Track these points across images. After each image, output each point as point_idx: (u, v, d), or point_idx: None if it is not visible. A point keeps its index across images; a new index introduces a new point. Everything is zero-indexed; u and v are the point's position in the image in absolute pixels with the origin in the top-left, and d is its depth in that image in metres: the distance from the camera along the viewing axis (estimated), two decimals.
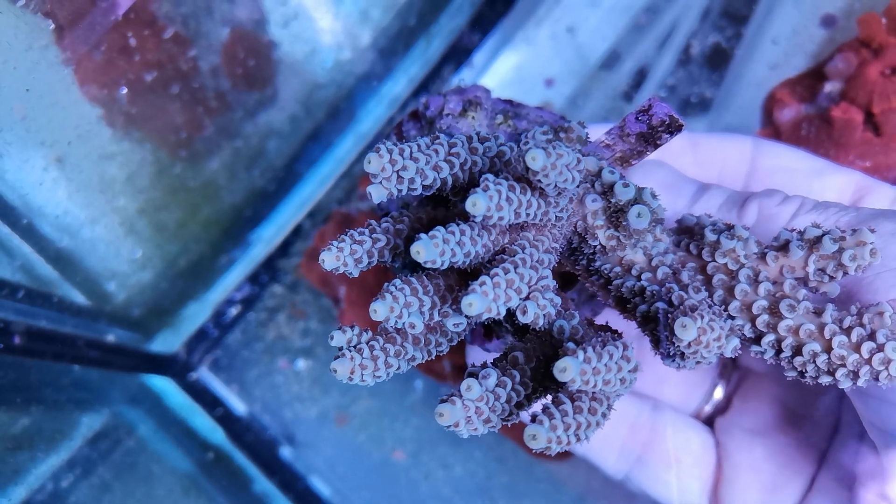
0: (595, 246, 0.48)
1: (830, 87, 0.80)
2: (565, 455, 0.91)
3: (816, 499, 0.59)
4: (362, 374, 0.44)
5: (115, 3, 0.77)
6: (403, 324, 0.42)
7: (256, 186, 1.02)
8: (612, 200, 0.47)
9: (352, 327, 0.46)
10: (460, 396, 0.40)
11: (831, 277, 0.45)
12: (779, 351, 0.43)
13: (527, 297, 0.42)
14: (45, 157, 0.78)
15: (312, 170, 1.06)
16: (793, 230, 0.46)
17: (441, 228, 0.41)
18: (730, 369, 0.70)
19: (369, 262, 0.45)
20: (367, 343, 0.45)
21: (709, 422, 0.69)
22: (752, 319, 0.44)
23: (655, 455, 0.65)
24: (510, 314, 0.47)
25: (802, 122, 0.81)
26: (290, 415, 1.02)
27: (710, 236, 0.46)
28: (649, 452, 0.66)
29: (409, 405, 1.00)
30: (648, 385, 0.70)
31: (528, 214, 0.42)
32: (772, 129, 0.83)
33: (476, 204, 0.38)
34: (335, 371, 0.43)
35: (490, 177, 0.40)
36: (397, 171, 0.42)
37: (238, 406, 1.03)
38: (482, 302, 0.39)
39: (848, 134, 0.77)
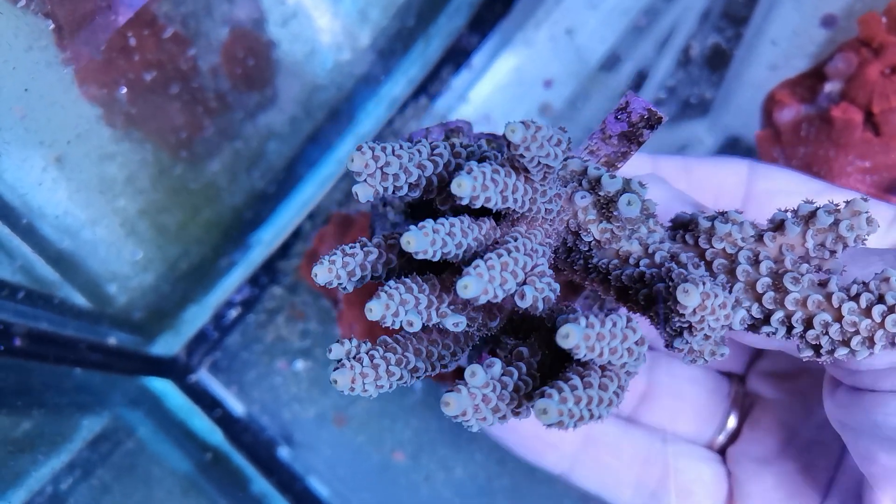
0: (590, 241, 0.48)
1: (830, 88, 0.80)
2: None
3: None
4: (364, 384, 0.44)
5: (115, 5, 0.76)
6: (401, 322, 0.42)
7: (256, 188, 1.01)
8: (601, 193, 0.47)
9: (350, 339, 0.45)
10: (465, 384, 0.40)
11: (832, 252, 0.45)
12: (790, 328, 0.43)
13: (523, 283, 0.42)
14: (45, 157, 0.78)
15: (312, 171, 1.06)
16: (786, 210, 0.46)
17: (430, 220, 0.41)
18: (741, 398, 0.70)
19: (363, 277, 0.45)
20: (367, 353, 0.45)
21: (722, 451, 0.69)
22: (758, 298, 0.43)
23: (668, 489, 0.65)
24: (512, 327, 0.47)
25: (802, 123, 0.81)
26: (289, 416, 1.02)
27: (705, 223, 0.46)
28: (663, 487, 0.65)
29: (409, 406, 1.00)
30: (660, 418, 0.69)
31: (515, 200, 0.42)
32: (771, 130, 0.84)
33: (461, 185, 0.39)
34: (335, 382, 0.43)
35: (474, 162, 0.40)
36: (381, 168, 0.42)
37: (237, 407, 1.03)
38: (478, 284, 0.39)
39: (848, 134, 0.78)
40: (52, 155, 0.78)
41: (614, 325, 0.38)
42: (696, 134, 0.97)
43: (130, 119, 0.84)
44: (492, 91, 1.05)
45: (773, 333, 0.44)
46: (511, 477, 0.96)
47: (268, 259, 1.05)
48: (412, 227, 0.40)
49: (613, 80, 1.01)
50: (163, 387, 1.02)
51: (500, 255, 0.41)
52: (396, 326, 0.43)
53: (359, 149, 0.42)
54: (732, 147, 0.95)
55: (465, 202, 0.40)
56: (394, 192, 0.44)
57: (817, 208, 0.44)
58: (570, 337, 0.36)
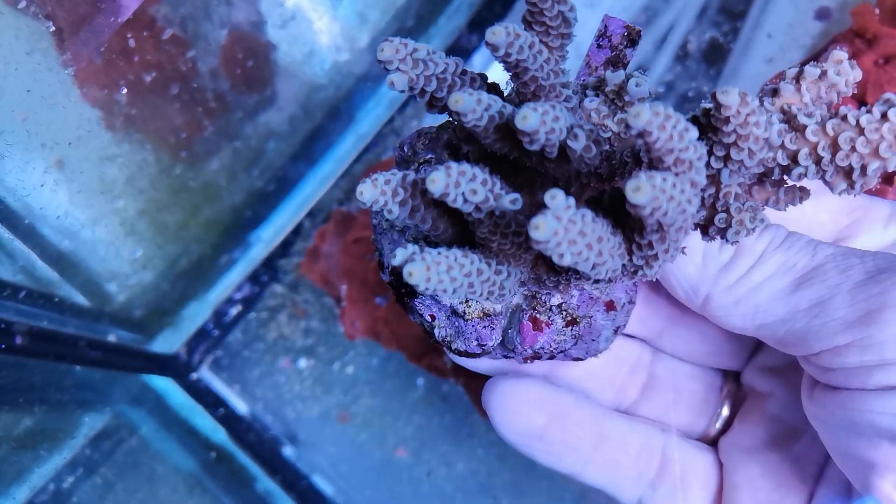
0: (609, 138, 0.48)
1: None
2: None
3: None
4: (438, 273, 0.42)
5: (118, 6, 0.77)
6: (463, 193, 0.42)
7: (256, 187, 1.02)
8: (608, 89, 0.48)
9: (409, 244, 0.44)
10: (548, 209, 0.38)
11: (829, 105, 0.46)
12: (818, 160, 0.43)
13: (571, 129, 0.42)
14: (46, 160, 0.79)
15: (312, 170, 1.06)
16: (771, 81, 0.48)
17: (468, 88, 0.43)
18: (734, 392, 0.71)
19: (405, 199, 0.45)
20: (434, 251, 0.44)
21: (714, 442, 0.70)
22: (780, 143, 0.45)
23: (666, 480, 0.66)
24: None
25: None
26: (292, 414, 1.02)
27: (707, 104, 0.46)
28: (660, 478, 0.66)
29: (411, 403, 1.00)
30: (658, 410, 0.70)
31: (541, 67, 0.43)
32: None
33: (496, 32, 0.40)
34: (411, 275, 0.41)
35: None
36: (410, 54, 0.43)
37: (240, 406, 1.03)
38: (535, 115, 0.39)
39: None
40: (53, 157, 0.79)
41: (674, 111, 0.38)
42: None
43: (131, 120, 0.85)
44: None
45: (804, 173, 0.44)
46: (512, 472, 0.97)
47: (268, 257, 1.06)
48: (456, 92, 0.41)
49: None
50: (164, 385, 1.03)
51: (544, 102, 0.41)
52: (459, 202, 0.42)
53: (385, 41, 0.44)
54: None
55: (500, 52, 0.41)
56: (424, 87, 0.45)
57: (802, 67, 0.46)
58: (641, 115, 0.36)
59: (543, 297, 0.54)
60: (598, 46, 0.53)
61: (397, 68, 0.44)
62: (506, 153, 0.46)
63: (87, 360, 0.88)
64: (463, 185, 0.41)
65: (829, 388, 0.51)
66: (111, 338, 0.94)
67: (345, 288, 0.97)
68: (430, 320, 0.56)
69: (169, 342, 1.04)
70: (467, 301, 0.53)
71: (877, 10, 0.79)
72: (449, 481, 0.98)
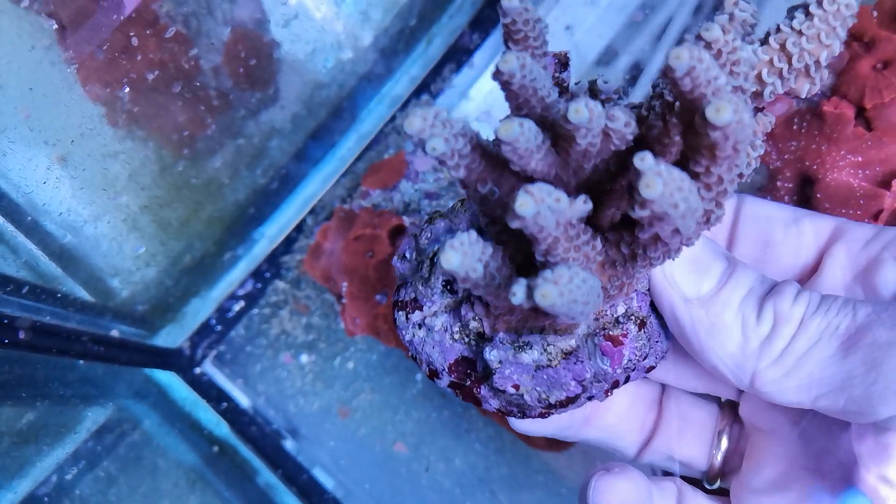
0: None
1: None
2: (561, 447, 0.92)
3: None
4: (567, 286, 0.42)
5: (120, 3, 0.78)
6: (549, 206, 0.42)
7: (259, 184, 1.03)
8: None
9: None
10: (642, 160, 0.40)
11: (752, 25, 0.50)
12: (779, 73, 0.48)
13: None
14: (49, 156, 0.79)
15: (315, 168, 1.07)
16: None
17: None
18: (730, 419, 0.70)
19: (481, 255, 0.45)
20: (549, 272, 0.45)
21: (719, 476, 0.70)
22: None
23: None
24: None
25: (794, 117, 0.81)
26: (294, 408, 1.03)
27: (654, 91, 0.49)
28: None
29: (410, 398, 1.01)
30: (668, 443, 0.70)
31: (544, 85, 0.45)
32: None
33: (507, 61, 0.41)
34: (544, 296, 0.40)
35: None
36: (434, 118, 0.44)
37: (242, 400, 1.04)
38: (583, 107, 0.41)
39: (840, 129, 0.78)
40: (56, 154, 0.80)
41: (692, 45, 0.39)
42: None
43: (133, 117, 0.85)
44: (493, 88, 1.06)
45: (773, 90, 0.48)
46: (509, 466, 0.97)
47: (271, 254, 1.07)
48: (499, 126, 0.42)
49: (611, 75, 1.02)
50: (167, 379, 1.04)
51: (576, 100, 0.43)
52: (549, 219, 0.42)
53: (408, 116, 0.44)
54: None
55: (516, 79, 0.42)
56: (454, 147, 0.45)
57: (710, 24, 0.50)
58: (682, 56, 0.37)
59: (608, 312, 0.53)
60: None
61: (431, 134, 0.44)
62: (546, 171, 0.46)
63: (90, 355, 0.88)
64: (547, 199, 0.42)
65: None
66: (114, 333, 0.94)
67: (346, 285, 0.98)
68: (514, 391, 0.55)
69: (172, 337, 1.05)
70: (545, 349, 0.54)
71: (874, 13, 0.79)
72: (447, 475, 0.99)
